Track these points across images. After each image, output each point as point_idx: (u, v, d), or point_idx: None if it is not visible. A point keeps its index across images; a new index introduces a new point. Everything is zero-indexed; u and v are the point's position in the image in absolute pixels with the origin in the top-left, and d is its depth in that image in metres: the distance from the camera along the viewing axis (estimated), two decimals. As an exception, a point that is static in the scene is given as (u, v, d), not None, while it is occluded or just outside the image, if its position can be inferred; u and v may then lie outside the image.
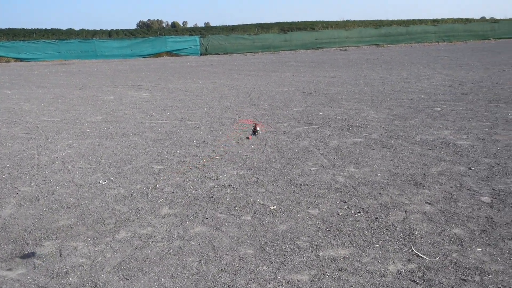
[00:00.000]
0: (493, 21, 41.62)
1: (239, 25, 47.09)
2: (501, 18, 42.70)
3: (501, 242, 2.89)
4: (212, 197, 3.91)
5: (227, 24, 49.71)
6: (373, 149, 5.24)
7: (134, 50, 31.82)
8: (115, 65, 24.35)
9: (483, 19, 49.40)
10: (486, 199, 3.62)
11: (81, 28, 54.91)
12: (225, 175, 4.50)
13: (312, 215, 3.45)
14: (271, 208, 3.62)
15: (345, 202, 3.68)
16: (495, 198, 3.62)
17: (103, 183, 4.42)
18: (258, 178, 4.37)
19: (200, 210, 3.62)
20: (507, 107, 7.33)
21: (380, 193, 3.84)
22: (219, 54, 32.19)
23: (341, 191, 3.93)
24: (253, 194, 3.94)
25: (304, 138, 5.90)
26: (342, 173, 4.42)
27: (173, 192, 4.08)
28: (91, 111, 8.73)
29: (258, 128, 6.23)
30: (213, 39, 33.62)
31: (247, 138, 5.95)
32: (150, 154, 5.43)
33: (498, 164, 4.48)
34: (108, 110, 8.83)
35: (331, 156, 5.02)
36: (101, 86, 13.52)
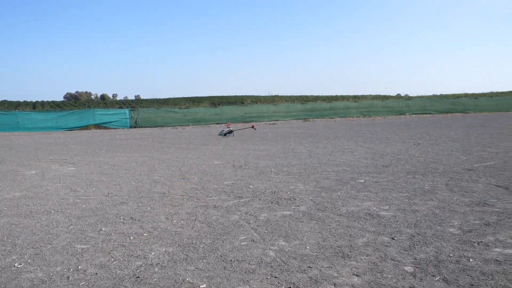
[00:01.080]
0: (407, 98, 45.48)
1: (170, 98, 47.74)
2: (414, 95, 46.76)
3: (425, 312, 2.97)
4: (138, 277, 3.74)
5: (158, 97, 50.17)
6: (302, 221, 5.33)
7: (60, 122, 30.95)
8: (39, 138, 23.42)
9: (398, 96, 53.79)
10: (409, 268, 3.76)
11: (2, 99, 52.90)
12: (153, 253, 4.34)
13: (243, 292, 3.38)
14: (200, 286, 3.51)
15: (275, 277, 3.66)
16: (417, 268, 3.77)
17: (19, 266, 4.09)
18: (187, 255, 4.26)
19: (126, 292, 3.43)
20: (423, 179, 7.84)
21: (309, 267, 3.87)
22: (149, 127, 32.10)
23: (271, 266, 3.91)
24: (182, 273, 3.81)
25: (234, 212, 5.90)
26: (272, 247, 4.43)
27: (96, 273, 3.85)
28: (9, 187, 8.22)
29: (231, 128, 6.71)
30: (143, 112, 33.64)
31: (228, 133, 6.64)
32: (73, 232, 5.14)
33: (419, 234, 4.71)
34: (28, 185, 8.37)
35: (262, 229, 5.04)
36: (22, 160, 12.87)
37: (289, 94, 49.74)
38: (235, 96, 49.39)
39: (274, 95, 48.57)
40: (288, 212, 5.78)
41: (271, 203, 6.35)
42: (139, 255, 4.29)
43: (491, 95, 54.75)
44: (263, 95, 50.29)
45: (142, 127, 31.95)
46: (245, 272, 3.80)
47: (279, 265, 3.92)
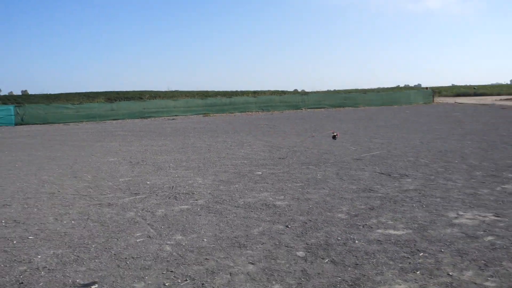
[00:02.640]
0: (303, 93, 47.36)
1: (61, 94, 44.78)
2: (310, 91, 48.84)
3: (315, 293, 3.14)
4: (22, 283, 3.48)
5: (48, 93, 46.68)
6: (200, 215, 5.33)
7: None
8: None
9: (295, 91, 55.77)
10: (301, 253, 3.94)
11: None
12: (39, 257, 4.06)
13: (137, 289, 3.30)
14: (92, 287, 3.36)
15: (171, 271, 3.62)
16: (308, 252, 3.96)
17: None
18: (78, 256, 4.04)
19: (7, 300, 3.17)
20: (316, 169, 8.24)
21: (206, 259, 3.88)
22: (38, 124, 29.89)
23: (168, 261, 3.86)
24: (72, 274, 3.62)
25: (130, 209, 5.72)
26: (169, 242, 4.37)
27: (-28, 282, 3.51)
28: None
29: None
30: (31, 108, 31.24)
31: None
32: None
33: (310, 221, 4.95)
34: None
35: (158, 225, 4.95)
36: None
37: (189, 90, 49.10)
38: (133, 91, 47.66)
39: (174, 91, 47.72)
40: (186, 207, 5.74)
41: (169, 198, 6.26)
42: (23, 260, 3.99)
43: (378, 90, 59.03)
44: (163, 90, 49.17)
45: (30, 124, 29.64)
46: (140, 268, 3.71)
47: (176, 259, 3.89)
